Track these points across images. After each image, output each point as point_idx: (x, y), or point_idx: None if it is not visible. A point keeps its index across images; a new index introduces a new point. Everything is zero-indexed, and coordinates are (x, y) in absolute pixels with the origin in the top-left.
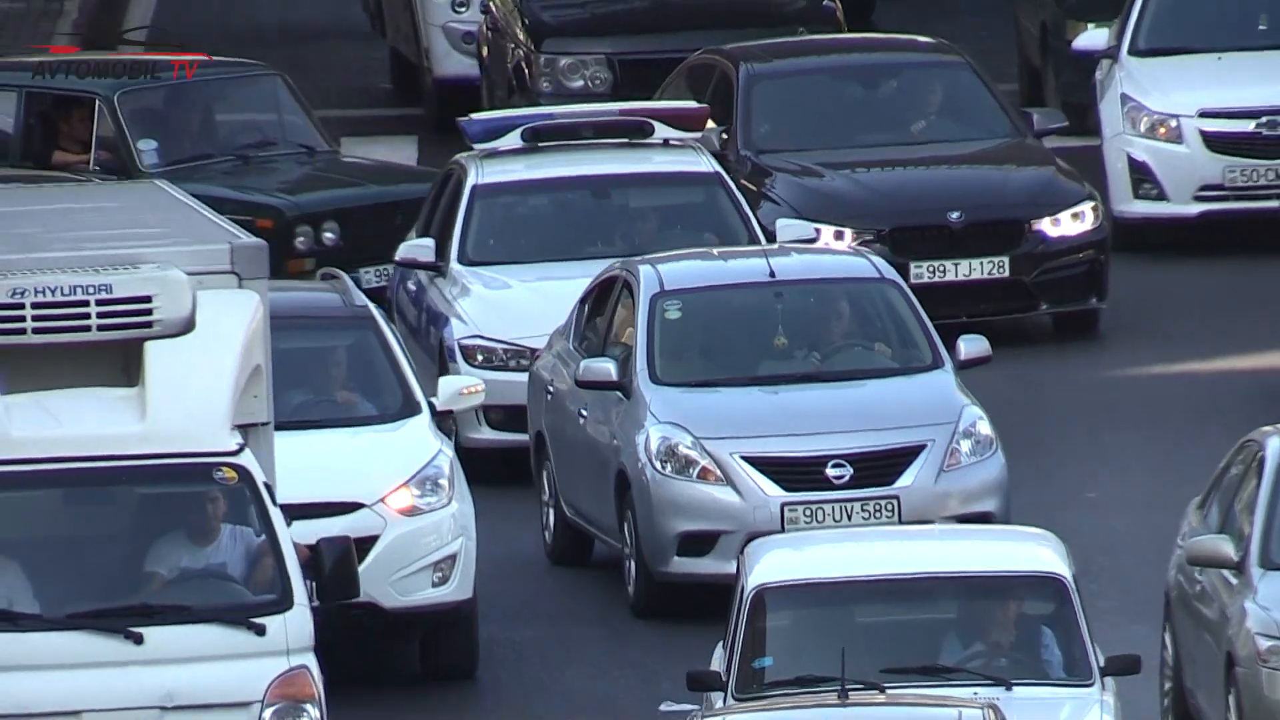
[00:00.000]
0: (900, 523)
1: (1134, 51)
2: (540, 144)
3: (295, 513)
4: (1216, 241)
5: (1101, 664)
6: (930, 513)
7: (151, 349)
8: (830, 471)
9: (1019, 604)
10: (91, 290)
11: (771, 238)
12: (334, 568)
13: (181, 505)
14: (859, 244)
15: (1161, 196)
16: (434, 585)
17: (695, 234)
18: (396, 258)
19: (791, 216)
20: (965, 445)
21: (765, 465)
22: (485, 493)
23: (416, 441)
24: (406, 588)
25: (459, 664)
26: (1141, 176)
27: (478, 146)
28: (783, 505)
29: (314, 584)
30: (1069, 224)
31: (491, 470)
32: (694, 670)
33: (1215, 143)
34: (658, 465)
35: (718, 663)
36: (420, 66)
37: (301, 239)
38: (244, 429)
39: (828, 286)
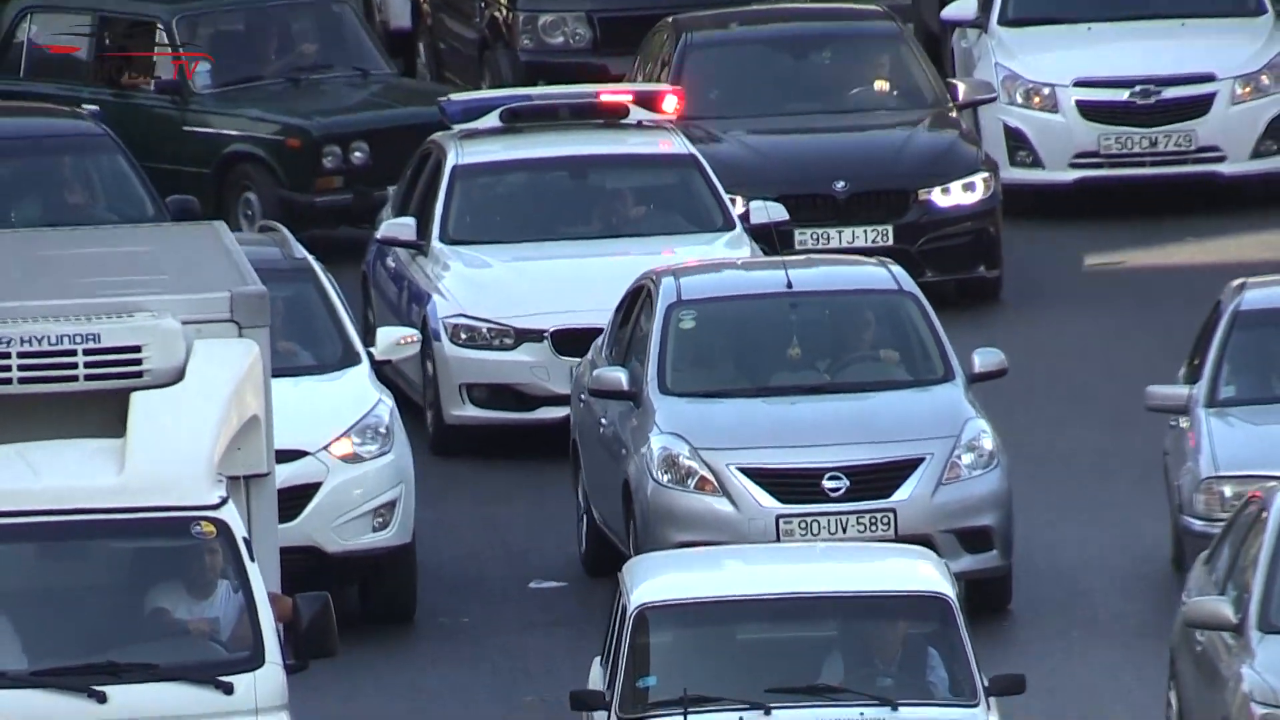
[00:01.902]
0: (896, 537)
1: (1003, 21)
2: (518, 124)
3: None
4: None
5: (986, 684)
6: (927, 526)
7: (137, 399)
8: (827, 484)
9: (903, 624)
10: (79, 339)
11: (745, 219)
12: (311, 625)
13: (157, 560)
14: (746, 211)
15: (1037, 164)
16: (374, 530)
17: (670, 215)
18: (378, 236)
19: None
20: (966, 459)
21: (761, 477)
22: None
23: (357, 391)
24: (348, 532)
25: (398, 606)
26: (1017, 144)
27: (456, 127)
28: (778, 517)
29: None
30: (959, 194)
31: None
32: (577, 689)
33: (1090, 111)
34: (658, 475)
35: (596, 678)
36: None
37: (329, 158)
38: (241, 480)
39: (843, 298)
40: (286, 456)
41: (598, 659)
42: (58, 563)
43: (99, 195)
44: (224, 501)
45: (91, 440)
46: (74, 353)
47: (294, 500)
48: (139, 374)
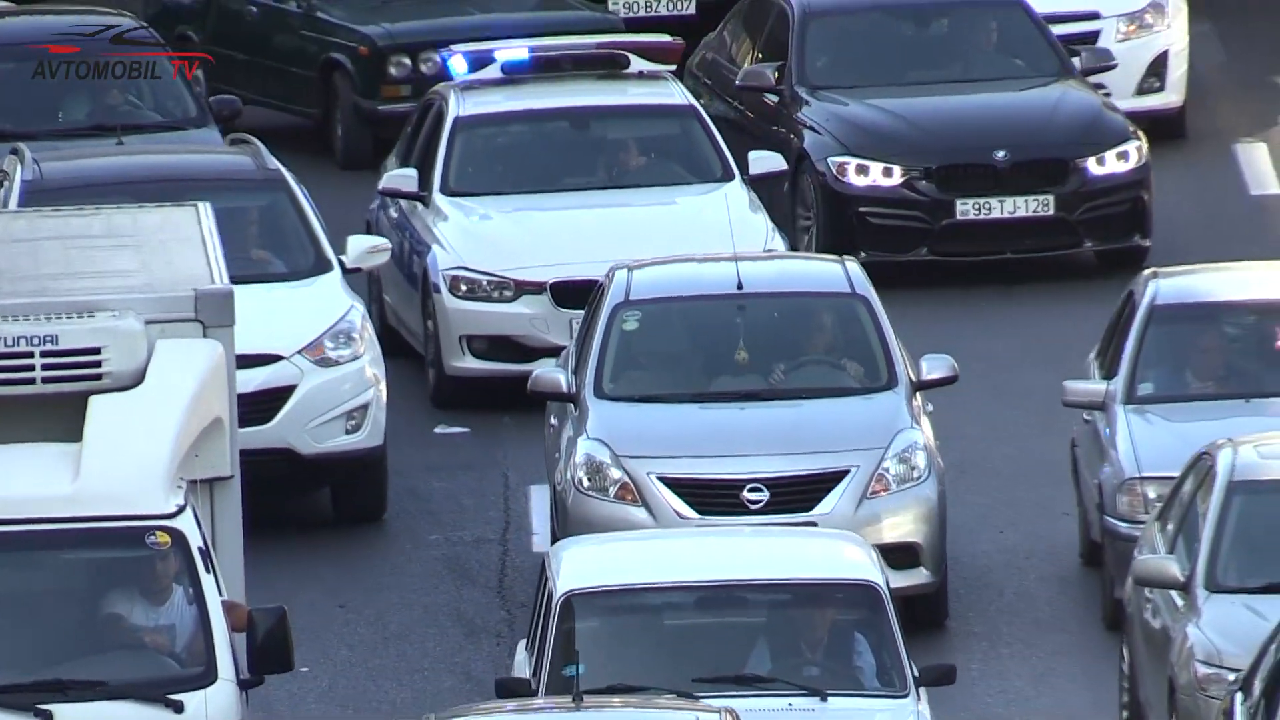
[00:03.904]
0: None
1: None
2: (520, 76)
3: None
4: None
5: (916, 674)
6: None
7: (95, 403)
8: (747, 495)
9: (832, 612)
10: (36, 341)
11: (746, 168)
12: (266, 638)
13: (111, 570)
14: (906, 180)
15: None
16: (347, 433)
17: (670, 165)
18: (380, 187)
19: (840, 153)
20: (895, 471)
21: (681, 487)
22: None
23: (329, 297)
24: (321, 435)
25: (369, 508)
26: None
27: (458, 78)
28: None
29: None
30: (1113, 163)
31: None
32: (502, 677)
33: None
34: (581, 482)
35: (521, 663)
36: None
37: (395, 67)
38: (202, 484)
39: (792, 300)
40: (261, 361)
41: (523, 643)
42: (8, 573)
43: (145, 97)
44: (180, 510)
45: (47, 445)
46: (31, 354)
47: (268, 404)
48: (98, 376)
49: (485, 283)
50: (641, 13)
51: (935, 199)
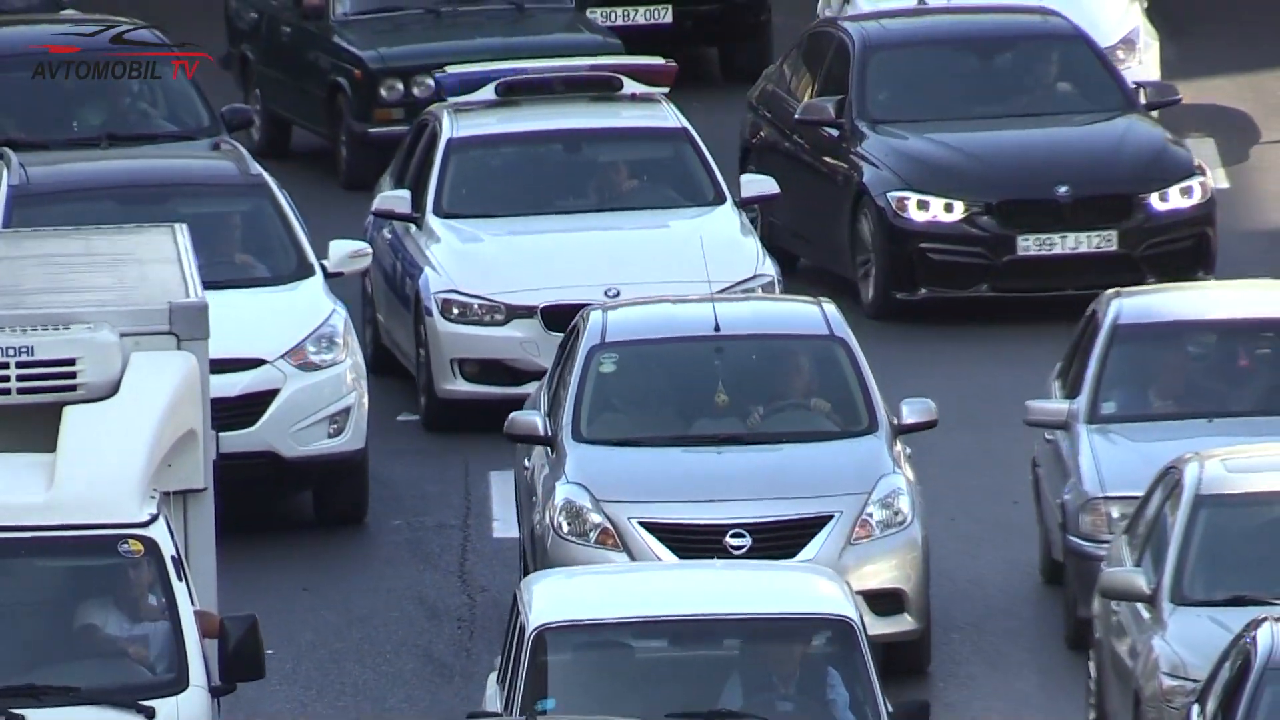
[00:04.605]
0: None
1: None
2: (513, 98)
3: None
4: None
5: (890, 710)
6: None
7: (69, 414)
8: (730, 541)
9: (805, 646)
10: (11, 352)
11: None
12: (238, 646)
13: (84, 578)
14: (967, 215)
15: None
16: (329, 436)
17: (662, 188)
18: (373, 209)
19: (900, 188)
20: (878, 516)
21: (663, 532)
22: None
23: (312, 301)
24: (304, 438)
25: (350, 510)
26: None
27: (451, 99)
28: None
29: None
30: (1177, 198)
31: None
32: (474, 711)
33: None
34: (561, 527)
35: (491, 697)
36: None
37: (387, 91)
38: (176, 495)
39: (770, 343)
40: (245, 365)
41: (493, 675)
42: None
43: (159, 106)
44: (153, 519)
45: (21, 455)
46: (6, 365)
47: (252, 407)
48: (73, 388)
49: (476, 306)
50: (619, 21)
51: (996, 234)
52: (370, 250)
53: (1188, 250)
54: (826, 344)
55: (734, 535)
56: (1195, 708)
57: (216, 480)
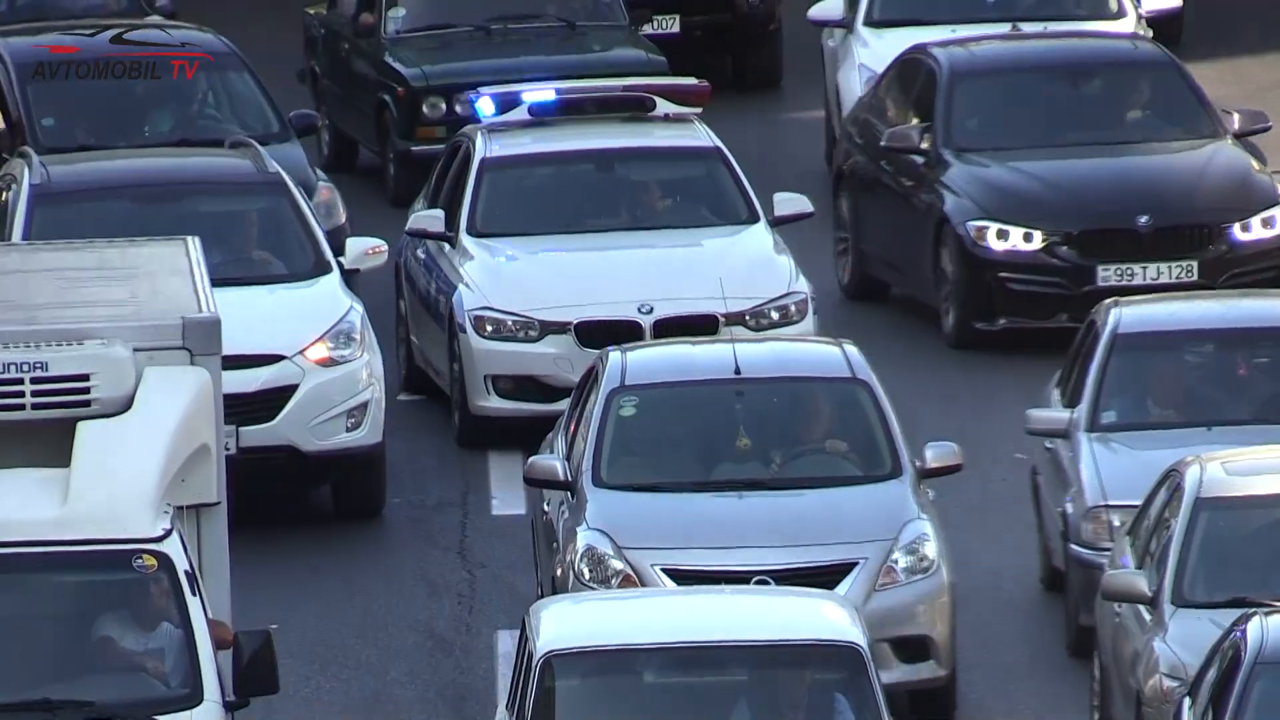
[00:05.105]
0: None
1: (868, 22)
2: (546, 118)
3: (222, 364)
4: None
5: None
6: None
7: (83, 429)
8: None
9: (813, 673)
10: (26, 368)
11: (766, 207)
12: (251, 661)
13: (98, 592)
14: (1046, 245)
15: None
16: (348, 430)
17: (695, 207)
18: (407, 228)
19: (980, 217)
20: (903, 563)
21: (686, 579)
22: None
23: (329, 298)
24: (323, 432)
25: (368, 503)
26: None
27: (485, 119)
28: None
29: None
30: (1259, 229)
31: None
32: None
33: None
34: (583, 573)
35: None
36: None
37: (430, 108)
38: (189, 510)
39: (791, 386)
40: (264, 361)
41: (503, 702)
42: None
43: (227, 110)
44: (167, 534)
45: (36, 470)
46: (21, 381)
47: (272, 402)
48: (87, 403)
49: (510, 323)
50: None
51: (1076, 265)
52: (385, 246)
53: (1269, 280)
54: (849, 387)
55: (758, 582)
56: (1187, 701)
57: (237, 473)
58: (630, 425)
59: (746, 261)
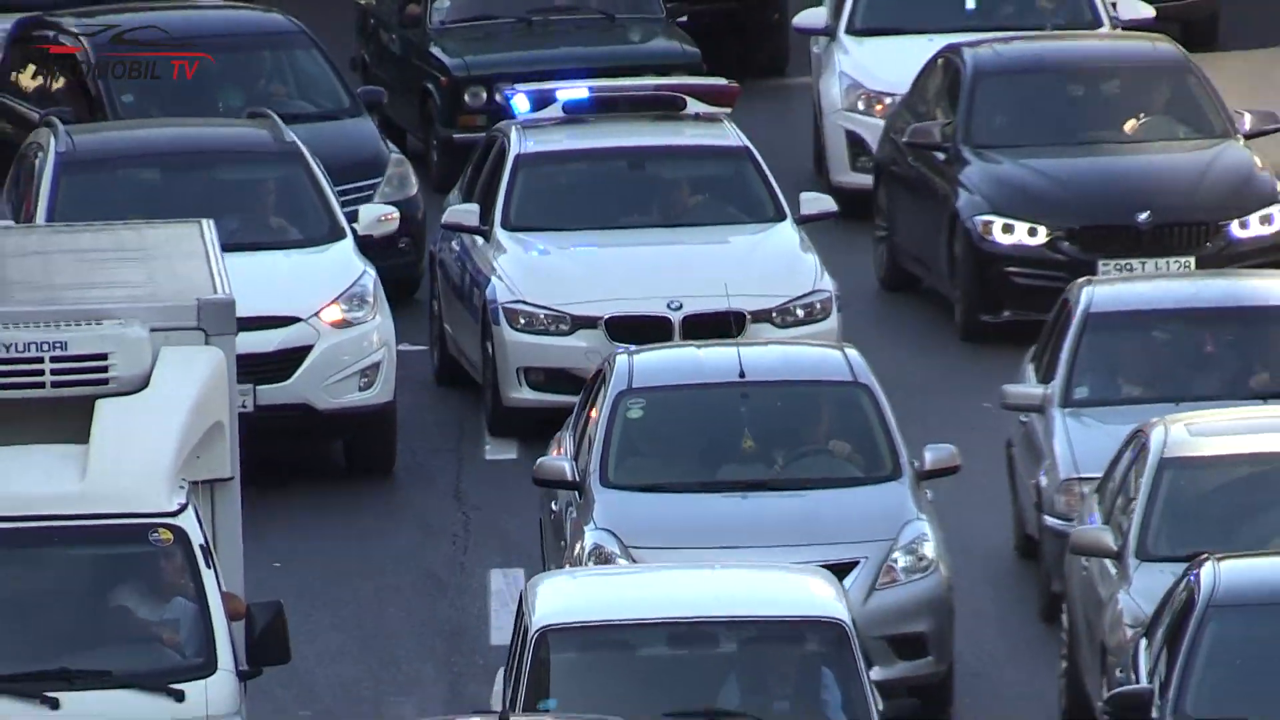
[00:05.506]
0: None
1: (851, 30)
2: (580, 115)
3: (239, 326)
4: None
5: (881, 708)
6: (859, 633)
7: (101, 406)
8: None
9: (799, 647)
10: (46, 347)
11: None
12: (264, 632)
13: (115, 565)
14: (1050, 240)
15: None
16: (360, 389)
17: (724, 205)
18: (442, 222)
19: (987, 211)
20: (902, 563)
21: None
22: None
23: (343, 262)
24: (337, 391)
25: (380, 461)
26: (858, 149)
27: (520, 116)
28: None
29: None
30: (1257, 226)
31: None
32: (479, 708)
33: None
34: None
35: (498, 693)
36: None
37: (471, 97)
38: (203, 485)
39: (794, 389)
40: (281, 322)
41: (501, 669)
42: (16, 568)
43: (295, 87)
44: (183, 509)
45: (55, 446)
46: (41, 360)
47: (288, 362)
48: (105, 381)
49: (542, 316)
50: None
51: (1077, 259)
52: (397, 213)
53: None
54: (850, 390)
55: None
56: (1143, 642)
57: (253, 430)
58: (637, 427)
59: (773, 259)
